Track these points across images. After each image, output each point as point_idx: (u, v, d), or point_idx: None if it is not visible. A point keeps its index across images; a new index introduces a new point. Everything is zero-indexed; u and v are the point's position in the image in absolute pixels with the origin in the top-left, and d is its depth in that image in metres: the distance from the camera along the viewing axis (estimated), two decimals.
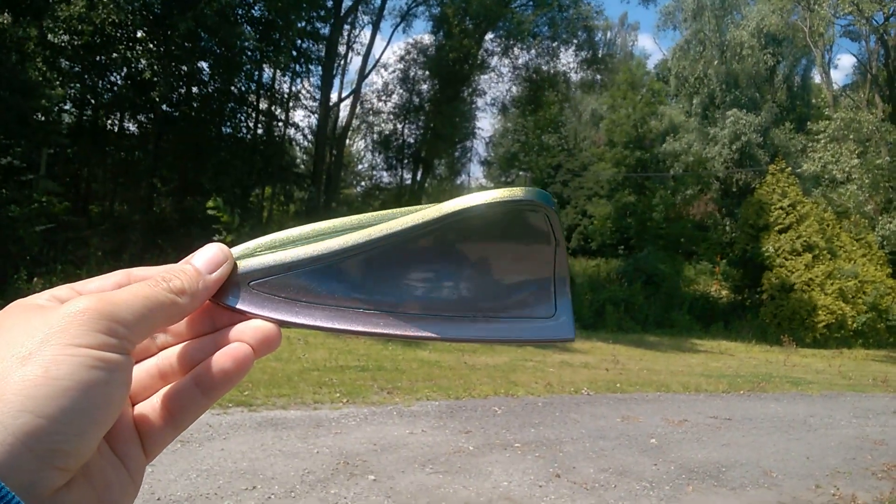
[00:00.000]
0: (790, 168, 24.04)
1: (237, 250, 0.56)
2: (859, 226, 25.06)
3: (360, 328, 0.56)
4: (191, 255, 0.52)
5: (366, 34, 22.30)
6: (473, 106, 22.83)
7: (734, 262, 24.28)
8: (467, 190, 24.38)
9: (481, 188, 26.19)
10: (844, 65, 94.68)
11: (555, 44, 21.50)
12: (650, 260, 24.61)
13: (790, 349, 19.37)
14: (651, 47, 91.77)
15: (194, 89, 18.73)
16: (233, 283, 0.54)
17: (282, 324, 0.54)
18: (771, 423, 8.45)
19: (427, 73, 21.49)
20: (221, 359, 0.50)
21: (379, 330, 0.57)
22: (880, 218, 20.86)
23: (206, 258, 0.52)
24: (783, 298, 21.61)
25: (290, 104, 20.77)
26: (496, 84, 29.77)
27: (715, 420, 8.31)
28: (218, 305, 0.53)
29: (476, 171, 39.87)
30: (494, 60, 22.49)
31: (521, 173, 31.18)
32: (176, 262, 0.53)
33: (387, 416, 7.12)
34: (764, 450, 7.00)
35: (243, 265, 0.54)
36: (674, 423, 7.95)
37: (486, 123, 65.42)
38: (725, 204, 33.14)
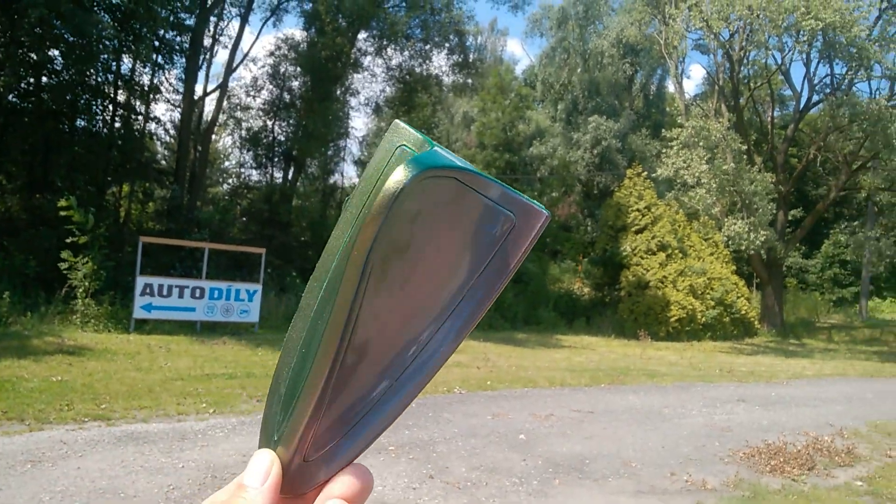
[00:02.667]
0: (646, 172, 25.53)
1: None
2: (707, 227, 27.02)
3: (406, 398, 0.56)
4: (242, 475, 0.53)
5: (234, 26, 21.61)
6: (347, 105, 22.62)
7: (595, 261, 25.42)
8: (341, 190, 24.16)
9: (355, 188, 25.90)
10: (696, 76, 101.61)
11: (427, 46, 21.73)
12: None
13: (646, 343, 20.59)
14: (520, 53, 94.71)
15: (44, 79, 17.37)
16: (291, 471, 0.53)
17: (353, 461, 0.54)
18: (629, 414, 8.94)
19: (298, 69, 21.05)
20: None
21: (425, 379, 0.56)
22: (726, 219, 22.48)
23: (257, 472, 0.52)
24: (639, 295, 22.90)
25: (152, 97, 19.70)
26: (370, 84, 29.63)
27: (579, 413, 8.69)
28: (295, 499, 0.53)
29: (350, 171, 39.54)
30: (368, 60, 22.44)
31: None
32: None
33: (256, 425, 6.87)
34: (624, 441, 7.39)
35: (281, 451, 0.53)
36: (541, 417, 8.24)
37: (360, 123, 64.89)
38: (587, 205, 34.67)
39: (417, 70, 22.12)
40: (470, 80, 24.32)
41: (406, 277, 0.54)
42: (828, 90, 26.25)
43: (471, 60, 23.57)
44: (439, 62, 22.83)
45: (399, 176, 0.50)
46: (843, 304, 43.64)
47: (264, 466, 0.52)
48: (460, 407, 8.50)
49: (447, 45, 22.10)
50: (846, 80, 24.33)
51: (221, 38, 21.53)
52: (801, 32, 20.03)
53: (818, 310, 36.31)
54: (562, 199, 34.93)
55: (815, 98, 27.50)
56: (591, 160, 33.40)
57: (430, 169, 0.52)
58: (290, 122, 21.73)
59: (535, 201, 0.57)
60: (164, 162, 22.58)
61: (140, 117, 19.89)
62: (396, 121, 0.56)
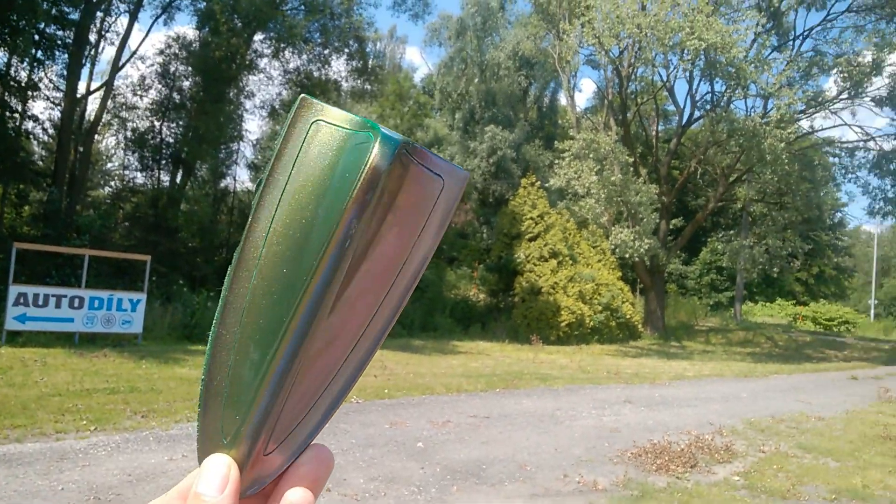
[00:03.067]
0: (539, 182, 26.24)
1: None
2: (596, 235, 28.08)
3: (360, 368, 0.55)
4: (194, 484, 0.49)
5: (122, 23, 20.54)
6: (241, 107, 21.99)
7: (491, 268, 25.84)
8: (233, 195, 23.45)
9: (247, 192, 25.36)
10: (587, 90, 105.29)
11: (326, 51, 21.46)
12: None
13: (538, 347, 21.11)
14: (419, 61, 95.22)
15: None
16: (251, 470, 0.51)
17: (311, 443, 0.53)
18: (524, 418, 9.13)
19: (190, 69, 20.26)
20: None
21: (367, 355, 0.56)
22: (613, 228, 23.41)
23: (213, 479, 0.49)
24: (532, 301, 23.46)
25: (30, 94, 18.42)
26: (266, 87, 28.96)
27: (475, 419, 8.79)
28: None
29: (243, 175, 38.46)
30: (264, 62, 21.90)
31: None
32: None
33: (142, 442, 6.58)
34: (519, 444, 7.54)
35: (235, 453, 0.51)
36: (438, 424, 8.28)
37: (255, 126, 63.22)
38: (483, 213, 35.23)
39: (316, 74, 21.81)
40: (369, 86, 24.23)
41: (371, 254, 0.54)
42: (708, 107, 27.91)
43: (370, 66, 23.51)
44: (338, 67, 22.69)
45: (379, 155, 0.50)
46: (720, 307, 46.43)
47: (221, 472, 0.49)
48: (357, 417, 8.42)
49: (347, 50, 21.91)
50: (725, 98, 25.94)
51: (108, 35, 20.48)
52: (686, 51, 21.17)
53: (697, 313, 38.38)
54: (459, 207, 35.21)
55: (697, 114, 29.17)
56: (487, 169, 33.98)
57: (402, 144, 0.52)
58: (180, 123, 20.88)
59: (451, 162, 0.57)
60: (41, 163, 21.15)
61: (16, 115, 18.57)
62: (304, 95, 0.55)
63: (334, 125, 0.53)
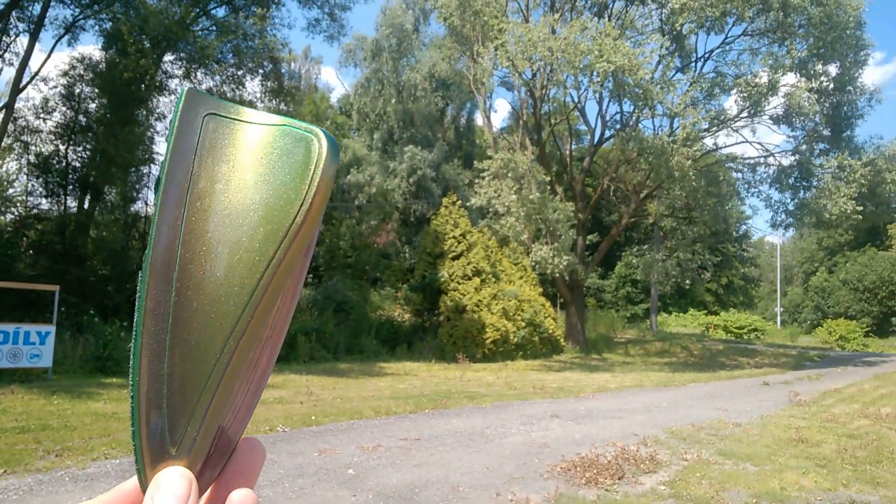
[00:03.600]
0: (460, 201, 26.51)
1: None
2: (517, 252, 28.53)
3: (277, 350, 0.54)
4: (153, 498, 0.47)
5: (21, 42, 19.62)
6: (152, 129, 21.31)
7: (415, 288, 25.83)
8: (145, 219, 22.62)
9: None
10: (502, 110, 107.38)
11: (240, 72, 21.09)
12: (339, 288, 25.16)
13: (465, 365, 21.20)
14: (334, 81, 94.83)
15: None
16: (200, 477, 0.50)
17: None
18: (455, 438, 9.12)
19: (97, 91, 19.51)
20: None
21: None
22: (533, 245, 23.85)
23: (173, 496, 0.46)
24: (457, 319, 23.57)
25: None
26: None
27: (406, 441, 8.73)
28: None
29: (153, 199, 37.25)
30: (175, 83, 21.31)
31: None
32: None
33: (58, 483, 6.22)
34: (451, 465, 7.52)
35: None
36: (368, 449, 8.18)
37: (164, 148, 61.47)
38: (405, 233, 35.27)
39: (230, 95, 21.40)
40: (285, 106, 23.94)
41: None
42: (618, 126, 28.94)
43: (286, 87, 23.22)
44: (253, 88, 22.27)
45: (329, 157, 0.49)
46: (636, 319, 47.90)
47: (181, 486, 0.46)
48: (285, 446, 8.21)
49: (261, 70, 21.63)
50: (633, 118, 26.93)
51: (6, 55, 19.52)
52: (595, 73, 21.88)
53: (615, 326, 39.45)
54: (381, 227, 35.25)
55: (608, 133, 30.19)
56: (407, 189, 34.08)
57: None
58: (87, 146, 20.04)
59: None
60: None
61: None
62: (189, 88, 0.53)
63: (236, 120, 0.52)
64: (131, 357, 0.49)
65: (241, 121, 0.52)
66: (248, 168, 0.51)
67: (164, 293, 0.49)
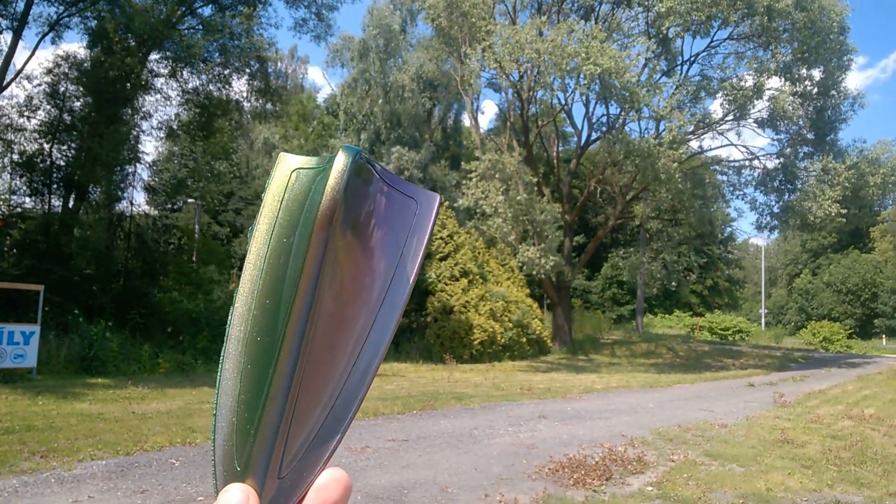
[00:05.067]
0: (448, 202, 26.52)
1: None
2: (504, 253, 28.59)
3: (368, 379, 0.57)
4: None
5: (4, 40, 19.40)
6: (137, 128, 21.11)
7: None
8: (130, 219, 22.41)
9: (146, 216, 24.37)
10: (490, 111, 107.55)
11: (227, 71, 20.94)
12: None
13: (452, 366, 21.21)
14: (321, 81, 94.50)
15: None
16: (268, 497, 0.51)
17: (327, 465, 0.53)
18: (443, 439, 9.13)
19: (81, 89, 19.31)
20: None
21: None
22: (520, 246, 23.91)
23: None
24: (445, 320, 23.59)
25: None
26: (163, 107, 28.01)
27: (394, 443, 8.72)
28: None
29: (139, 198, 37.04)
30: (161, 82, 21.14)
31: (189, 200, 29.66)
32: None
33: (43, 484, 6.17)
34: (439, 466, 7.53)
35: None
36: (357, 450, 8.16)
37: (152, 147, 61.03)
38: None
39: (216, 94, 21.27)
40: (271, 106, 23.82)
41: (348, 273, 0.56)
42: (604, 129, 29.06)
43: (272, 87, 23.08)
44: (240, 87, 22.09)
45: (340, 168, 0.55)
46: (622, 320, 48.13)
47: (239, 501, 0.49)
48: None
49: (248, 70, 21.48)
50: (620, 120, 27.07)
51: None
52: (582, 76, 21.97)
53: (601, 327, 39.61)
54: None
55: (594, 135, 30.30)
56: None
57: (361, 153, 0.56)
58: (72, 145, 19.83)
59: (421, 187, 0.61)
60: None
61: None
62: (283, 152, 0.60)
63: (311, 168, 0.58)
64: (217, 378, 0.54)
65: (313, 167, 0.58)
66: (299, 206, 0.57)
67: (242, 320, 0.55)
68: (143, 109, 21.56)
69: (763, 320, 59.07)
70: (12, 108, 19.94)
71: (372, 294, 0.57)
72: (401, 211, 0.59)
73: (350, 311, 0.56)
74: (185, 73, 21.15)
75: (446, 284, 24.14)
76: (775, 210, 27.82)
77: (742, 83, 24.82)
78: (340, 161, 0.55)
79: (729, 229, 48.33)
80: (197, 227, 29.13)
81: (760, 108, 25.93)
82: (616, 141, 24.86)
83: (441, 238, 25.02)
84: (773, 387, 17.70)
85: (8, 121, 19.63)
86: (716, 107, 54.42)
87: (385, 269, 0.58)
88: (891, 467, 8.09)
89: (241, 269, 0.57)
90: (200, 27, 20.97)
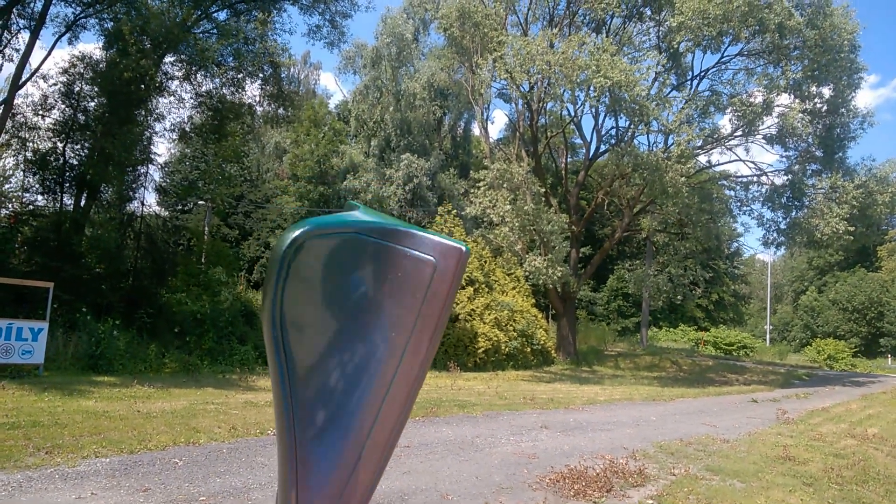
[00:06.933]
0: (455, 210, 26.61)
1: None
2: (510, 262, 28.63)
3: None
4: None
5: (22, 38, 19.63)
6: (150, 129, 21.30)
7: None
8: (141, 219, 22.60)
9: (156, 217, 24.53)
10: (499, 121, 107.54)
11: (240, 75, 21.11)
12: None
13: (456, 374, 21.23)
14: (333, 87, 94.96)
15: None
16: None
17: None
18: (444, 446, 9.17)
19: (96, 89, 19.50)
20: None
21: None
22: (527, 256, 23.96)
23: None
24: (450, 328, 23.60)
25: None
26: (177, 109, 28.21)
27: (396, 448, 8.75)
28: None
29: (150, 199, 37.23)
30: (175, 84, 21.32)
31: (200, 202, 29.85)
32: None
33: (47, 480, 6.24)
34: (440, 473, 7.57)
35: None
36: None
37: (164, 148, 61.37)
38: None
39: (229, 98, 21.44)
40: (282, 110, 23.97)
41: (333, 332, 0.57)
42: (613, 141, 29.12)
43: (285, 92, 23.25)
44: (252, 91, 22.25)
45: (289, 236, 0.55)
46: (627, 333, 47.99)
47: None
48: (275, 450, 8.23)
49: (261, 74, 21.66)
50: (629, 133, 27.12)
51: (6, 51, 19.51)
52: (592, 88, 22.06)
53: (606, 339, 39.54)
54: None
55: (603, 148, 30.35)
56: (403, 196, 34.19)
57: (317, 227, 0.56)
58: (85, 144, 20.01)
59: (450, 238, 0.61)
60: None
61: None
62: (350, 202, 0.64)
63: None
64: None
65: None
66: None
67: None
68: (157, 111, 21.73)
69: (768, 336, 58.83)
70: (27, 106, 20.16)
71: (381, 353, 0.59)
72: (410, 272, 0.57)
73: (349, 369, 0.59)
74: (198, 76, 21.33)
75: None
76: (782, 226, 27.80)
77: (751, 99, 24.84)
78: (290, 234, 0.56)
79: (735, 244, 48.24)
80: (206, 228, 29.29)
81: (769, 124, 25.97)
82: (624, 154, 24.90)
83: None
84: (776, 403, 17.67)
85: (23, 119, 19.83)
86: (725, 122, 54.37)
87: (398, 335, 0.58)
88: (893, 487, 8.10)
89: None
90: (215, 31, 21.15)
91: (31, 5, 19.33)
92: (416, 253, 0.58)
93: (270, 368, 0.59)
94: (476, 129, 38.36)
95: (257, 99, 22.89)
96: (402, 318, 0.59)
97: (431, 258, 0.59)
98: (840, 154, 27.07)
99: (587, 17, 28.38)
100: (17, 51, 19.60)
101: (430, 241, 0.59)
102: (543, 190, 25.80)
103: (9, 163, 20.10)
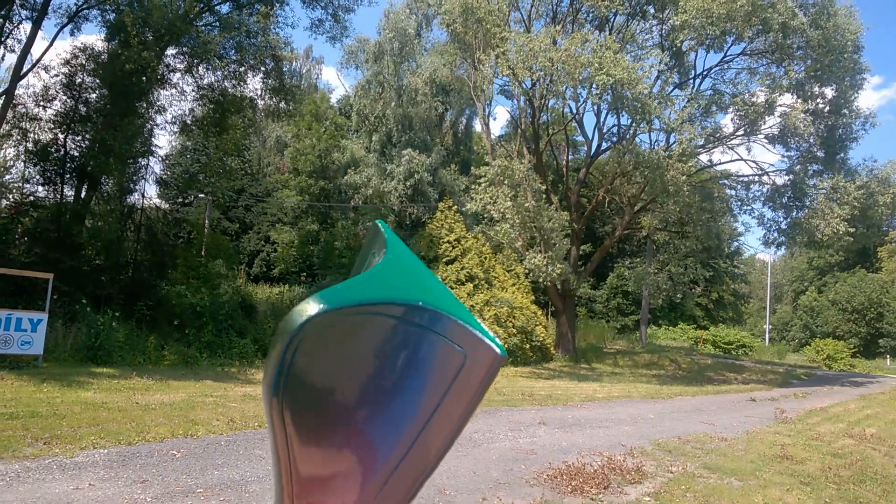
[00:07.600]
0: (456, 206, 26.58)
1: None
2: (510, 259, 28.61)
3: None
4: None
5: (24, 29, 19.61)
6: (151, 122, 21.27)
7: None
8: (141, 211, 22.58)
9: (156, 209, 24.54)
10: (501, 118, 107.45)
11: (242, 68, 21.06)
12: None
13: None
14: (335, 82, 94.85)
15: None
16: None
17: None
18: None
19: (98, 81, 19.47)
20: None
21: None
22: (527, 253, 23.93)
23: None
24: None
25: None
26: (178, 102, 28.18)
27: None
28: None
29: (150, 191, 37.22)
30: (177, 77, 21.28)
31: (200, 195, 29.84)
32: None
33: (45, 470, 6.25)
34: (438, 468, 7.56)
35: None
36: None
37: (165, 141, 61.43)
38: (400, 235, 35.00)
39: (231, 91, 21.40)
40: (283, 104, 23.93)
41: (336, 413, 0.53)
42: (615, 139, 29.07)
43: (287, 86, 23.19)
44: (254, 85, 22.19)
45: (301, 316, 0.50)
46: (626, 331, 47.98)
47: None
48: None
49: (263, 68, 21.61)
50: (630, 131, 27.06)
51: (8, 42, 19.49)
52: (594, 86, 22.00)
53: (605, 336, 39.54)
54: None
55: (604, 145, 30.29)
56: (404, 191, 34.17)
57: (331, 311, 0.49)
58: (86, 136, 19.98)
59: (489, 334, 0.53)
60: None
61: None
62: (377, 221, 0.62)
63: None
64: None
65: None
66: None
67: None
68: (158, 103, 21.70)
69: (767, 336, 58.84)
70: (29, 97, 20.14)
71: (389, 442, 0.55)
72: (439, 360, 0.52)
73: (351, 457, 0.57)
74: (200, 68, 21.28)
75: (452, 288, 24.13)
76: (783, 226, 27.75)
77: (754, 99, 24.78)
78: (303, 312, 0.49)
79: (736, 244, 48.15)
80: (207, 221, 29.28)
81: (771, 124, 25.89)
82: (626, 151, 24.85)
83: (448, 242, 25.09)
84: (774, 402, 17.68)
85: (24, 110, 19.81)
86: (727, 121, 54.31)
87: (409, 424, 0.54)
88: (890, 487, 8.10)
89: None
90: (217, 24, 21.11)
91: None
92: (445, 339, 0.52)
93: (269, 433, 0.57)
94: (477, 126, 38.32)
95: (259, 92, 22.85)
96: (415, 408, 0.55)
97: (461, 350, 0.53)
98: (842, 155, 27.01)
99: (590, 15, 28.30)
100: (19, 41, 19.60)
101: (462, 329, 0.52)
102: (544, 187, 25.75)
103: (10, 153, 20.08)
